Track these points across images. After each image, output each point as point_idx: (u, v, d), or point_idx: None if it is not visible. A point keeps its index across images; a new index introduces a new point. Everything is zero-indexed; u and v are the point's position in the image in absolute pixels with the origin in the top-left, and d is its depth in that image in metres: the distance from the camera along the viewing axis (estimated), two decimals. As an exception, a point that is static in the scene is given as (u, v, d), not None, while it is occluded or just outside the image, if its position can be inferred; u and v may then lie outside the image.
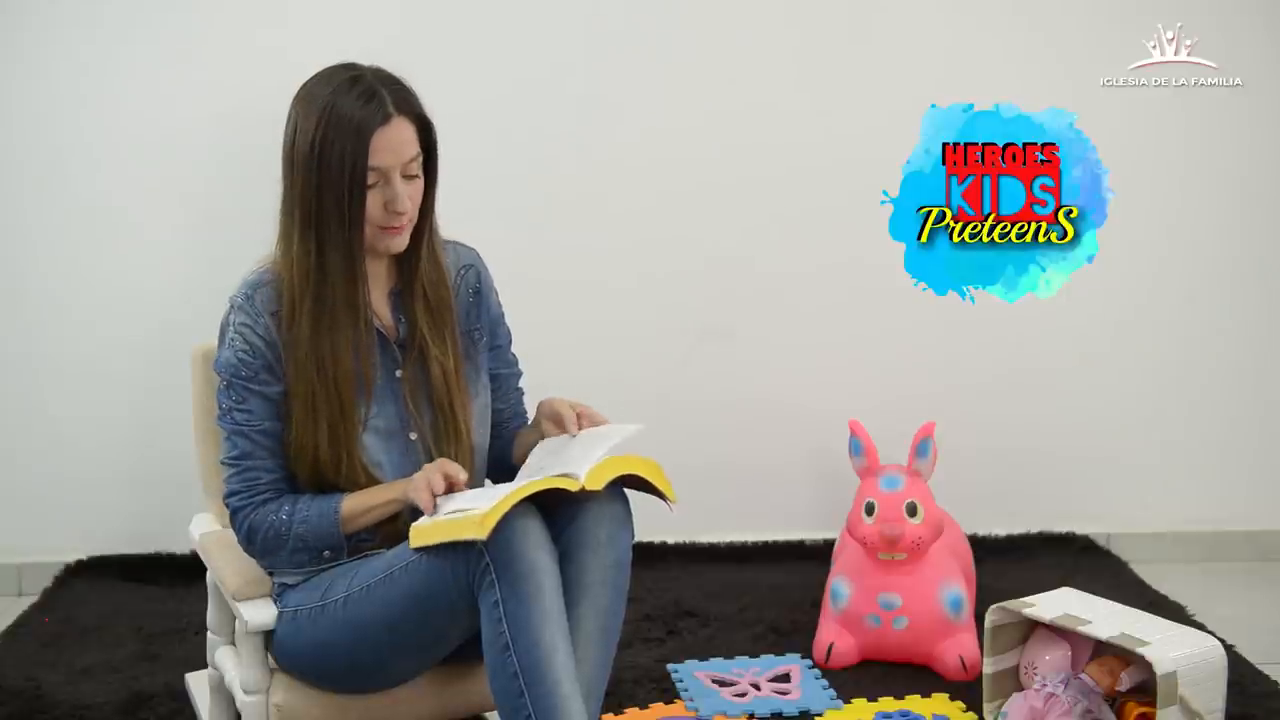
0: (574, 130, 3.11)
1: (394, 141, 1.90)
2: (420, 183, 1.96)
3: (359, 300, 1.94)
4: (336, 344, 1.93)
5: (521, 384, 2.19)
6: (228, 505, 1.98)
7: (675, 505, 1.97)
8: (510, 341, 2.17)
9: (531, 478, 1.89)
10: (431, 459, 2.01)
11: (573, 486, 1.83)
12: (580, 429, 1.99)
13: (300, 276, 1.93)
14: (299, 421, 1.94)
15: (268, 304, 1.95)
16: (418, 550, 1.86)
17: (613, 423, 2.01)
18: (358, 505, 1.94)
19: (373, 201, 1.91)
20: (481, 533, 1.78)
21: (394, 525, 1.96)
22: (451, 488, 1.89)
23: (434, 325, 2.02)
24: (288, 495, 1.96)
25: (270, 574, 2.01)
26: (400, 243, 1.96)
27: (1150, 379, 3.29)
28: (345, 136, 1.88)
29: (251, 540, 1.96)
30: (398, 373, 2.01)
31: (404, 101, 1.93)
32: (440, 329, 2.02)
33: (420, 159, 1.95)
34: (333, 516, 1.92)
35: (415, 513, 1.90)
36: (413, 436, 2.01)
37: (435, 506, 1.86)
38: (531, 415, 2.16)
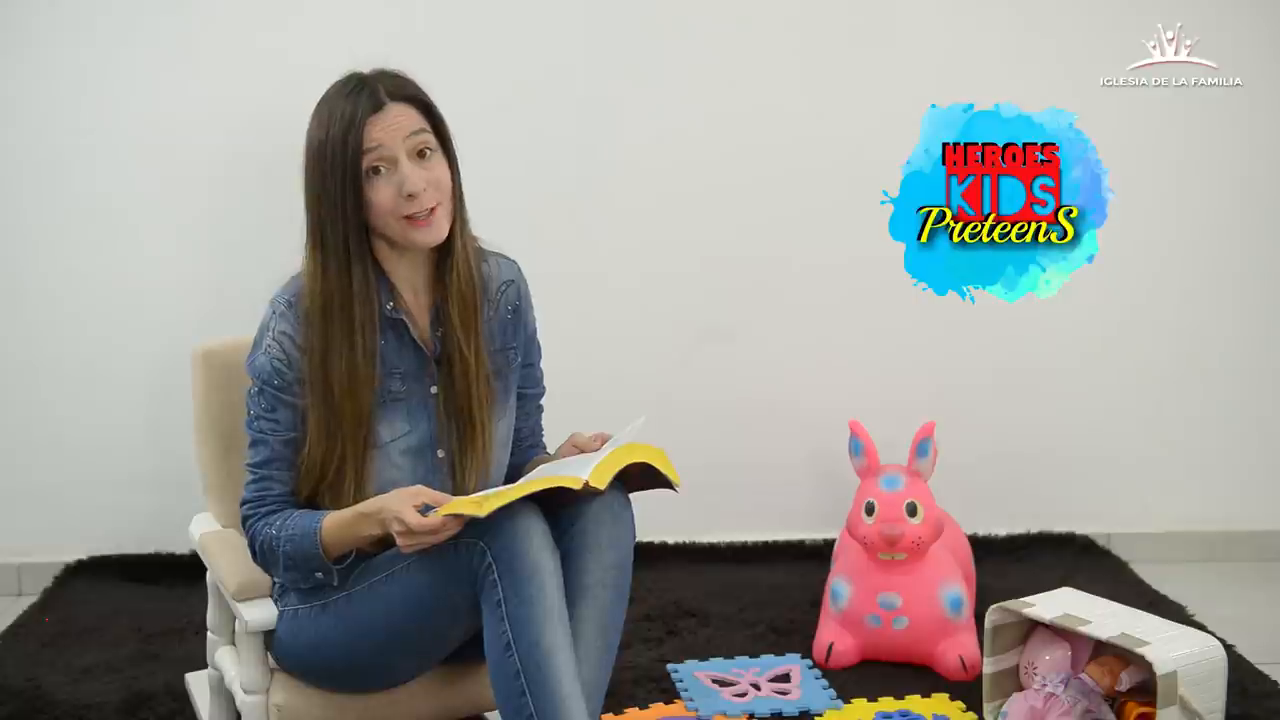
0: (575, 131, 3.11)
1: (389, 123, 1.85)
2: (439, 162, 1.89)
3: (354, 309, 1.88)
4: (340, 357, 1.89)
5: (542, 403, 2.17)
6: (240, 511, 1.96)
7: (678, 495, 1.97)
8: (540, 359, 2.14)
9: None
10: (455, 479, 1.99)
11: (576, 484, 1.82)
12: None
13: (311, 286, 1.90)
14: (313, 437, 1.91)
15: (308, 313, 1.91)
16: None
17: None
18: (337, 533, 1.88)
19: (383, 191, 1.86)
20: (480, 511, 1.77)
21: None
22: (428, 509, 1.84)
23: (466, 340, 1.96)
24: (286, 511, 1.93)
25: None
26: (432, 233, 1.89)
27: (1150, 379, 3.29)
28: (339, 131, 1.84)
29: (253, 552, 1.95)
30: (433, 389, 1.98)
31: (399, 89, 1.89)
32: (468, 330, 1.97)
33: (431, 135, 1.89)
34: (313, 537, 1.88)
35: None
36: (440, 454, 1.99)
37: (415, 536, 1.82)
38: (552, 445, 2.16)
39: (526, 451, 2.16)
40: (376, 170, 1.86)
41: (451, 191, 1.93)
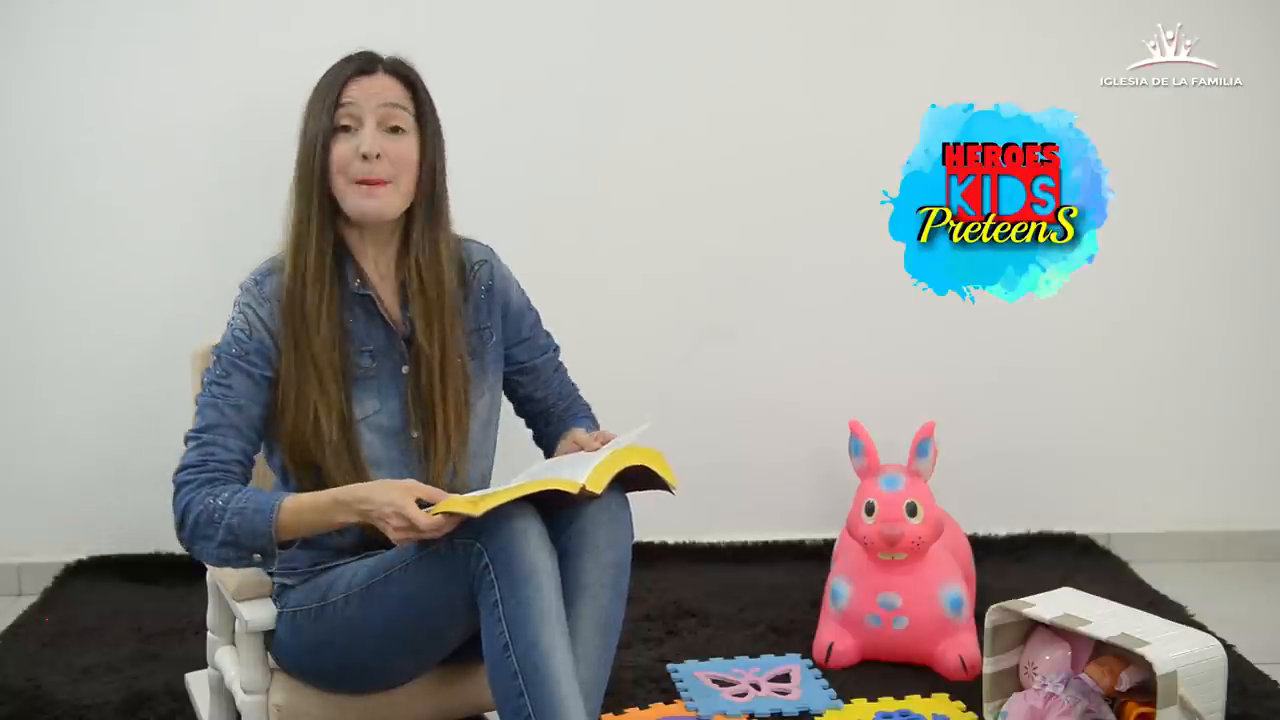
0: (576, 131, 3.11)
1: (369, 86, 1.90)
2: (407, 142, 1.92)
3: (325, 271, 1.91)
4: (313, 322, 1.91)
5: (561, 359, 2.19)
6: (174, 480, 1.88)
7: (677, 496, 1.97)
8: (539, 322, 2.15)
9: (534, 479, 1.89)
10: (429, 460, 2.00)
11: (573, 488, 1.82)
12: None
13: (290, 244, 1.94)
14: (284, 407, 1.91)
15: (275, 291, 1.93)
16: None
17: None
18: (301, 515, 1.83)
19: (342, 148, 1.89)
20: (474, 510, 1.76)
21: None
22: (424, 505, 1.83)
23: (428, 320, 1.98)
24: (236, 483, 1.88)
25: (270, 574, 2.00)
26: (377, 204, 1.91)
27: (1150, 379, 3.29)
28: (323, 86, 1.91)
29: (183, 523, 1.86)
30: (404, 369, 2.00)
31: (395, 64, 1.94)
32: (431, 324, 1.98)
33: (409, 115, 1.92)
34: (268, 514, 1.82)
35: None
36: (414, 435, 2.00)
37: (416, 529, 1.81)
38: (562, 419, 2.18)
39: (565, 414, 2.17)
40: (346, 128, 1.90)
41: (416, 175, 1.94)
